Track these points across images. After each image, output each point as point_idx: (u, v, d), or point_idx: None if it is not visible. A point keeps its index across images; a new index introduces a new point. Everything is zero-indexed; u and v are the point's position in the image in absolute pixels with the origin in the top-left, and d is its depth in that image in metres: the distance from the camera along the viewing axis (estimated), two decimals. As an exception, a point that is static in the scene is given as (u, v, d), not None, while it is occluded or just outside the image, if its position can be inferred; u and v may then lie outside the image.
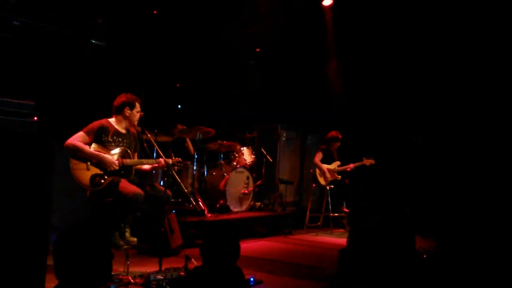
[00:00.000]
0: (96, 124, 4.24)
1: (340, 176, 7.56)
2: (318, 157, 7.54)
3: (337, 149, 7.64)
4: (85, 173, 4.07)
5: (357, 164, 7.54)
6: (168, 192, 4.40)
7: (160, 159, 4.35)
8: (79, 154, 4.05)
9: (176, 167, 4.46)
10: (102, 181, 4.06)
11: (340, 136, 7.56)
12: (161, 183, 6.05)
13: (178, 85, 7.68)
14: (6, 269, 2.51)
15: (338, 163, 7.60)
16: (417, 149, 7.51)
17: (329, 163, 7.58)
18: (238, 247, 2.45)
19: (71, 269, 1.84)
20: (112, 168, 4.13)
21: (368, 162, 7.51)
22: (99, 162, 4.11)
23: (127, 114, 4.35)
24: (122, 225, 4.08)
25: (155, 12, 7.08)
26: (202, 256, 2.42)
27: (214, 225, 5.24)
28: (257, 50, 8.69)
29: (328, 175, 7.46)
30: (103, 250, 1.89)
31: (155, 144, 4.60)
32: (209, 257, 2.38)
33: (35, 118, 3.05)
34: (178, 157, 4.60)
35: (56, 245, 1.87)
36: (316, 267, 4.84)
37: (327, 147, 7.59)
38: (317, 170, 7.54)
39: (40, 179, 2.79)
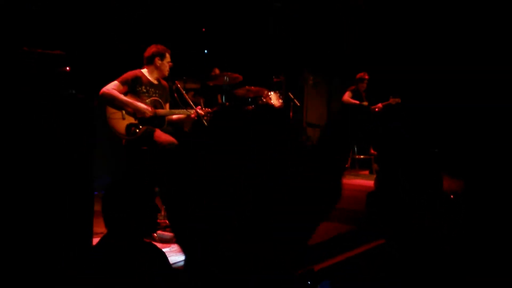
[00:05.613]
0: (130, 74, 4.34)
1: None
2: (348, 95, 7.54)
3: (365, 91, 7.60)
4: (121, 122, 4.24)
5: (385, 103, 7.52)
6: None
7: (191, 110, 4.45)
8: (115, 102, 4.19)
9: (205, 118, 4.55)
10: (137, 130, 4.22)
11: (367, 77, 7.50)
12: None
13: (203, 29, 7.64)
14: (55, 214, 2.69)
15: (366, 103, 7.57)
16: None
17: None
18: None
19: (119, 221, 1.95)
20: (146, 115, 4.27)
21: (394, 101, 7.49)
22: (134, 110, 4.26)
23: (158, 64, 4.43)
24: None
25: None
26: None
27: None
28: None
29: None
30: (149, 204, 1.99)
31: (186, 96, 4.67)
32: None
33: (67, 68, 3.10)
34: (208, 107, 4.68)
35: (104, 198, 1.99)
36: (345, 209, 4.94)
37: (356, 88, 7.56)
38: None
39: (80, 134, 2.91)
